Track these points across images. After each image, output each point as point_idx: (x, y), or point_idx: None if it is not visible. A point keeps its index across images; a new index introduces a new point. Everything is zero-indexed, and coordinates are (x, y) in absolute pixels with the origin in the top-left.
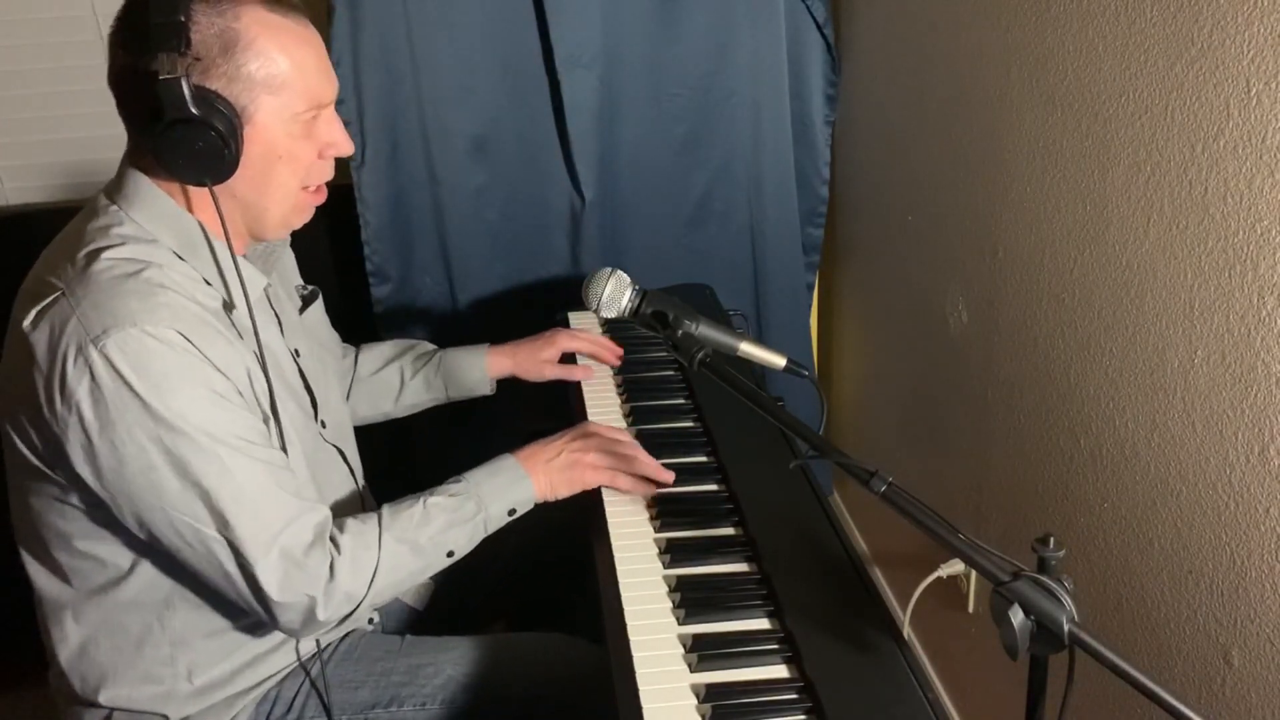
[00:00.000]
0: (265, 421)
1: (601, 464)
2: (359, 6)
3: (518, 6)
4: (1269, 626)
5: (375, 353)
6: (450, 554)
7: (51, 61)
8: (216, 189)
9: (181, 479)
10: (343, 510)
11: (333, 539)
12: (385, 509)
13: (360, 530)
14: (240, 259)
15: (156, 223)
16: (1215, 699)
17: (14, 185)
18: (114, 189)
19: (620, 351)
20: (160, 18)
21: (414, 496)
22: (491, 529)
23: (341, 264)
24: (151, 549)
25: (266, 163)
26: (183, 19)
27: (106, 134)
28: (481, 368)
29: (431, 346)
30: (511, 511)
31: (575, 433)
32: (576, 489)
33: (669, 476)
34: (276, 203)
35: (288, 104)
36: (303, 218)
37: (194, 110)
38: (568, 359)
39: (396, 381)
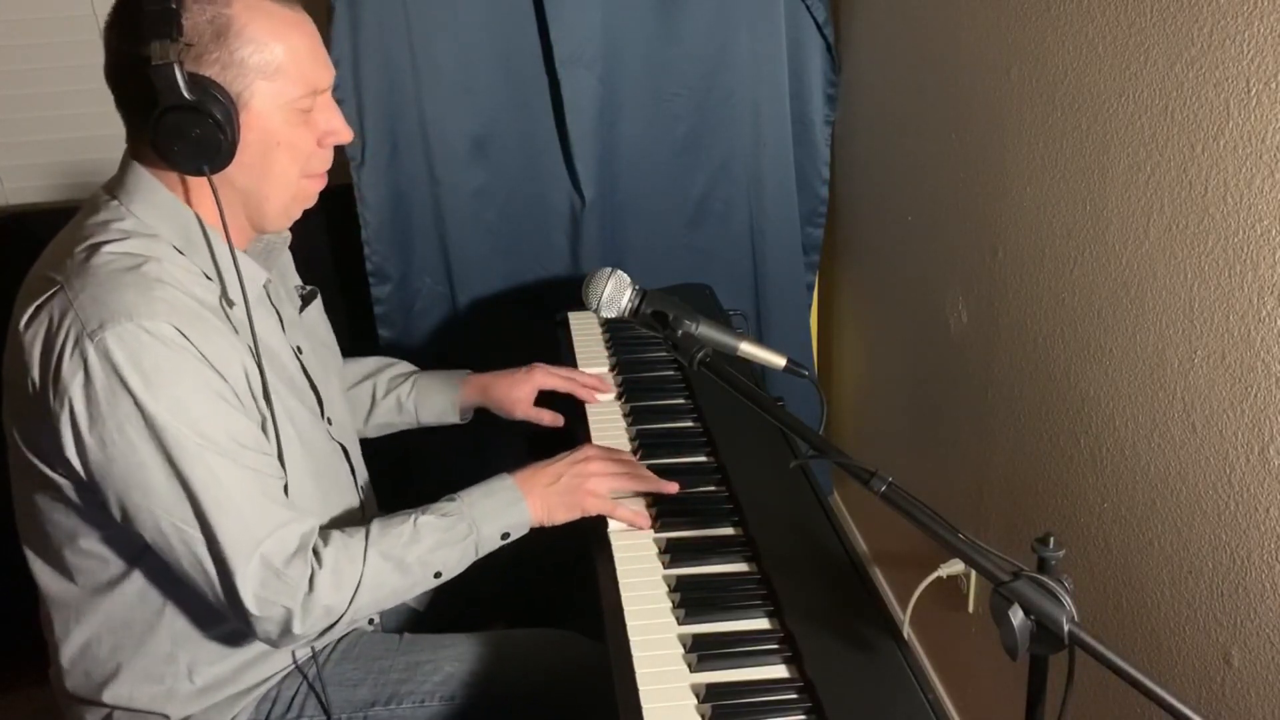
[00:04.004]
0: (263, 423)
1: (601, 490)
2: (359, 6)
3: (518, 6)
4: (1269, 626)
5: (353, 367)
6: (438, 574)
7: (51, 61)
8: (216, 179)
9: (169, 478)
10: (344, 508)
11: (315, 551)
12: (375, 524)
13: (345, 544)
14: (240, 254)
15: (156, 216)
16: (1215, 699)
17: (14, 185)
18: (115, 184)
19: (602, 390)
20: (152, 5)
21: (405, 513)
22: (484, 551)
23: (341, 264)
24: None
25: (265, 150)
26: (174, 6)
27: (106, 134)
28: (451, 398)
29: (410, 368)
30: (505, 535)
31: (575, 456)
32: (574, 515)
33: (673, 486)
34: (277, 191)
35: (283, 90)
36: (303, 206)
37: (188, 96)
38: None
39: (367, 400)
